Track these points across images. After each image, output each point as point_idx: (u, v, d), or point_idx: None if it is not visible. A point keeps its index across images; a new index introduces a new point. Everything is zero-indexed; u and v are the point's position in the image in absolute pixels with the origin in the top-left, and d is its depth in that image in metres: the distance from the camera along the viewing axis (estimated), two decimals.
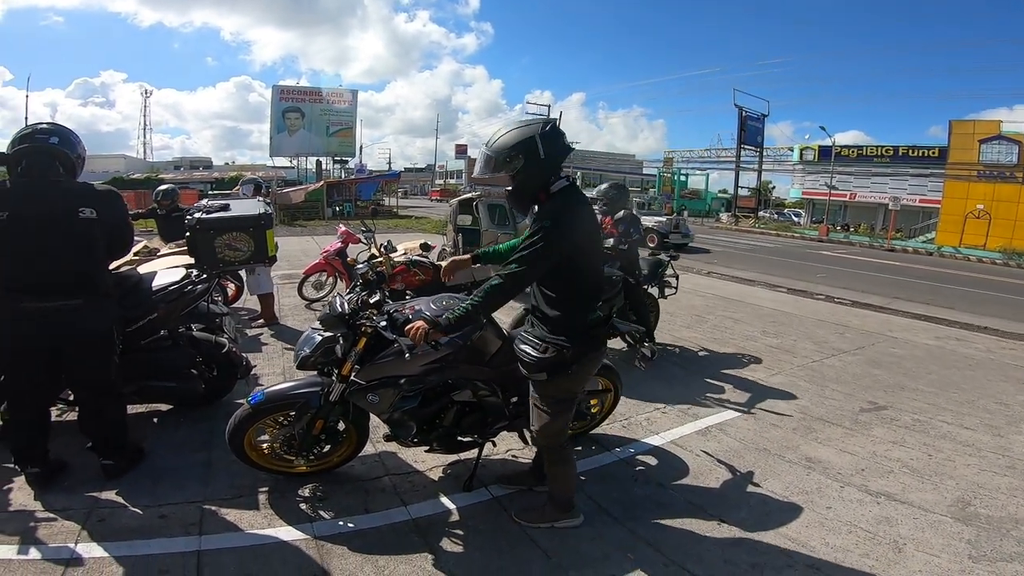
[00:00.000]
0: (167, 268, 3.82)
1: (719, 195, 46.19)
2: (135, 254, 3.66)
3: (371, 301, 2.71)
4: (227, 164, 61.01)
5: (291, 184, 29.81)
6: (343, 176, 37.51)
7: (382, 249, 3.04)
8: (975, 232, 26.67)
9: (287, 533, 2.72)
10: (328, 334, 2.80)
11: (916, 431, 4.18)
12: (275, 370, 5.03)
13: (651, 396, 4.76)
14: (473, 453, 3.23)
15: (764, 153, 40.50)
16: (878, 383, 5.32)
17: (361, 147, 51.19)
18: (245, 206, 4.22)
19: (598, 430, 3.95)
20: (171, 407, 4.05)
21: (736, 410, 4.52)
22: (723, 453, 3.74)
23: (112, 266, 3.52)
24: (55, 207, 2.63)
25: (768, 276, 12.49)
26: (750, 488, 3.30)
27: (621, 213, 5.47)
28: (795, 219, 41.09)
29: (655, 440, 3.92)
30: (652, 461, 3.64)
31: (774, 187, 56.44)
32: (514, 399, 3.04)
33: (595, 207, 5.23)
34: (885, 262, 18.93)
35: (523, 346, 2.52)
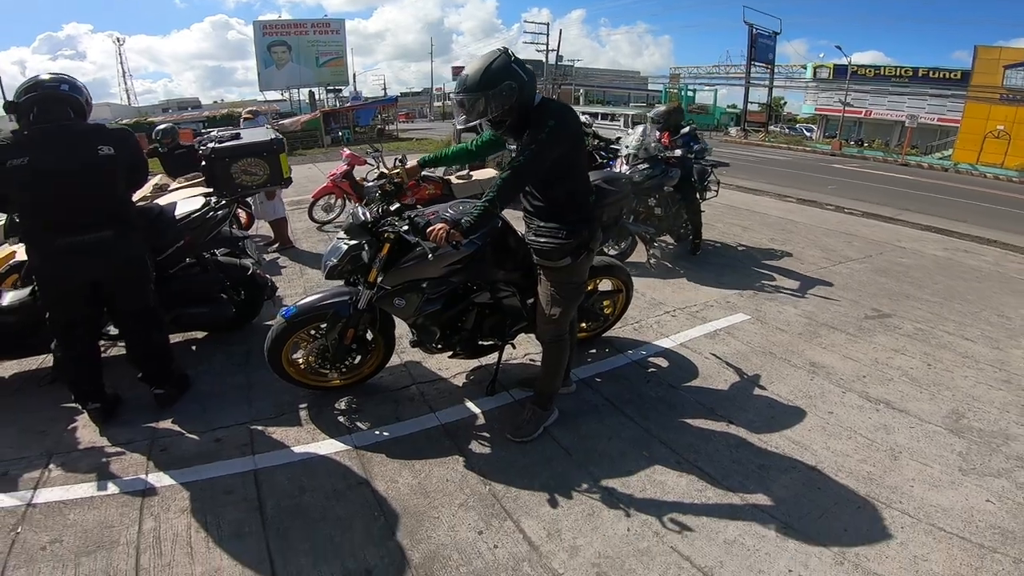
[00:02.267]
0: (186, 198, 3.86)
1: (728, 110, 45.04)
2: (148, 193, 3.71)
3: (392, 209, 2.79)
4: (216, 103, 59.24)
5: (285, 116, 29.14)
6: (338, 105, 36.33)
7: (397, 162, 3.05)
8: (993, 151, 25.98)
9: (330, 446, 2.93)
10: (353, 242, 2.87)
11: (918, 340, 4.31)
12: (296, 291, 5.17)
13: (661, 299, 4.94)
14: (492, 359, 3.39)
15: (776, 70, 39.09)
16: (884, 291, 5.43)
17: (354, 75, 49.33)
18: (256, 133, 4.25)
19: (611, 333, 4.10)
20: (206, 334, 4.21)
21: (744, 314, 4.66)
22: (731, 356, 3.91)
23: (135, 199, 3.62)
24: (75, 147, 2.70)
25: (777, 187, 12.35)
26: (756, 391, 3.47)
27: (687, 128, 6.20)
28: (807, 134, 40.20)
29: (666, 343, 4.08)
30: (663, 363, 3.81)
31: (785, 103, 55.27)
32: (530, 300, 3.15)
33: (653, 125, 5.94)
34: (898, 176, 18.58)
35: (540, 239, 2.66)
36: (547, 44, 41.61)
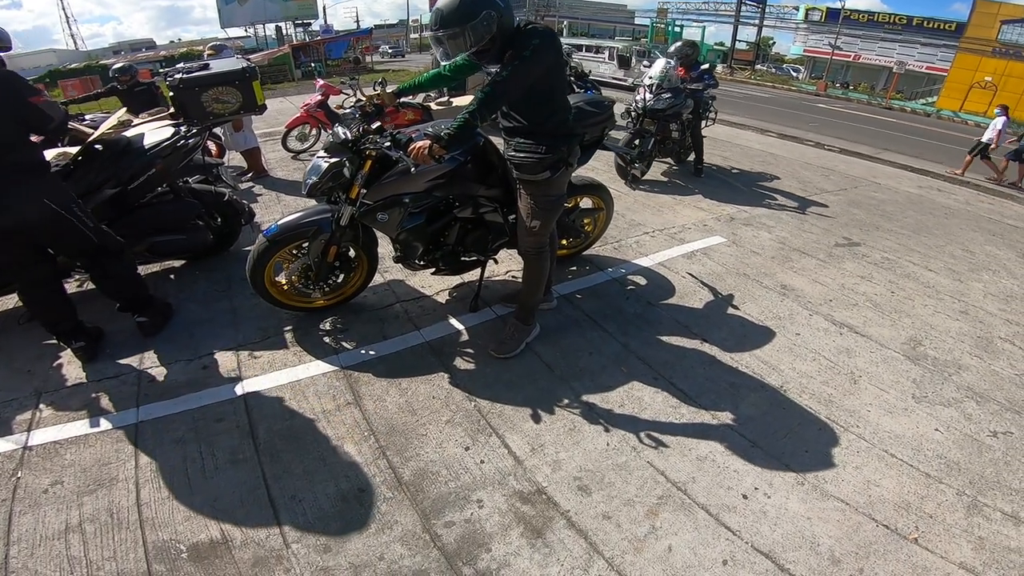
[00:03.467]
0: (154, 129, 3.73)
1: (715, 47, 44.13)
2: (111, 127, 3.55)
3: (373, 128, 2.77)
4: (172, 42, 55.53)
5: (251, 53, 27.70)
6: (307, 40, 34.41)
7: (376, 85, 2.98)
8: (978, 100, 25.96)
9: (317, 367, 2.95)
10: (334, 160, 2.83)
11: (884, 268, 4.47)
12: (274, 216, 4.97)
13: (641, 221, 5.03)
14: (474, 276, 3.44)
15: (767, 10, 38.36)
16: (855, 222, 5.57)
17: (324, 8, 46.55)
18: (227, 63, 4.06)
19: (591, 251, 4.19)
20: (184, 261, 4.14)
21: (720, 237, 4.78)
22: (706, 276, 4.03)
23: (96, 135, 3.42)
24: None
25: (759, 122, 12.30)
26: (730, 310, 3.60)
27: (706, 64, 6.91)
28: (794, 74, 39.96)
29: (644, 262, 4.18)
30: (642, 281, 3.92)
31: (774, 43, 54.54)
32: (512, 216, 3.18)
33: (672, 60, 6.29)
34: (880, 118, 18.63)
35: (519, 154, 2.67)
36: None
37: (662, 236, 4.70)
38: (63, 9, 68.38)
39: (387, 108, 2.97)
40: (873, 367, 3.14)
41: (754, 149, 8.95)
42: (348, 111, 2.95)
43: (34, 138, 2.82)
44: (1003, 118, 9.03)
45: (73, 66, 35.50)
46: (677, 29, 40.11)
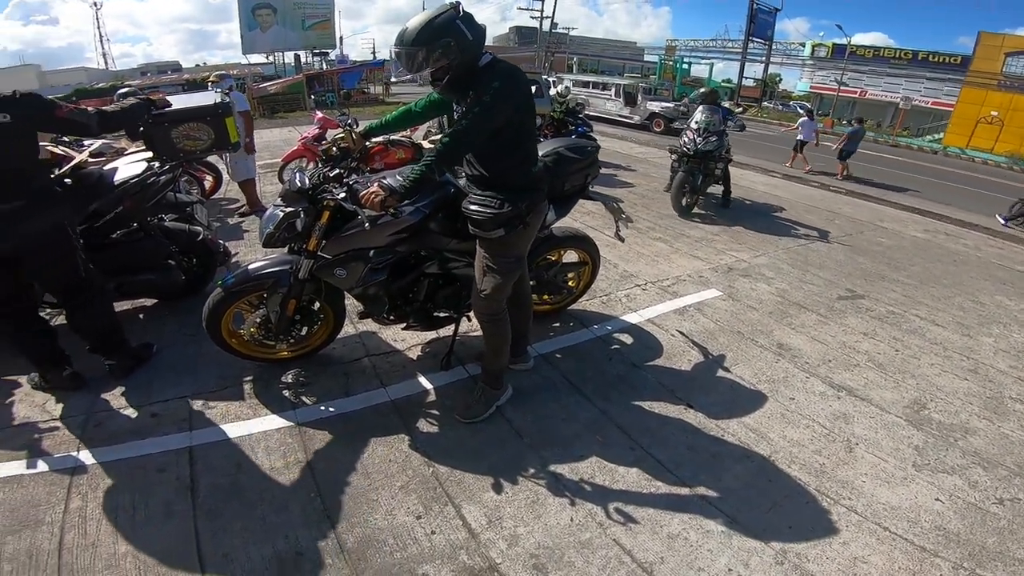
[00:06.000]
0: (129, 163, 3.69)
1: (722, 84, 44.40)
2: (97, 153, 3.53)
3: (331, 175, 2.64)
4: (198, 66, 57.63)
5: (269, 79, 28.51)
6: (324, 68, 35.51)
7: (347, 126, 2.87)
8: (984, 136, 25.99)
9: (271, 422, 2.81)
10: (290, 209, 2.70)
11: (888, 323, 4.24)
12: (258, 255, 4.94)
13: (634, 271, 4.83)
14: (449, 331, 3.26)
15: (774, 47, 38.65)
16: (859, 271, 5.36)
17: (341, 38, 48.19)
18: (198, 98, 4.01)
19: (577, 306, 3.99)
20: (156, 301, 4.04)
21: (716, 290, 4.57)
22: (698, 334, 3.81)
23: (71, 165, 3.44)
24: None
25: (763, 161, 12.22)
26: (720, 373, 3.38)
27: (726, 106, 7.86)
28: (800, 111, 39.89)
29: (633, 318, 3.98)
30: (628, 340, 3.71)
31: (781, 79, 55.06)
32: None
33: (718, 108, 7.20)
34: (887, 156, 18.52)
35: (474, 207, 2.54)
36: (542, 11, 40.50)
37: (655, 289, 4.51)
38: (98, 28, 70.88)
39: (354, 151, 2.85)
40: (872, 433, 2.93)
41: (758, 191, 8.83)
42: (324, 144, 2.82)
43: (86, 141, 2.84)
44: None
45: (100, 86, 36.56)
46: (685, 66, 40.75)
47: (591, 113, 16.94)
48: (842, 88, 33.84)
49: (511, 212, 2.46)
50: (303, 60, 40.32)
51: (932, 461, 2.76)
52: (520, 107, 2.38)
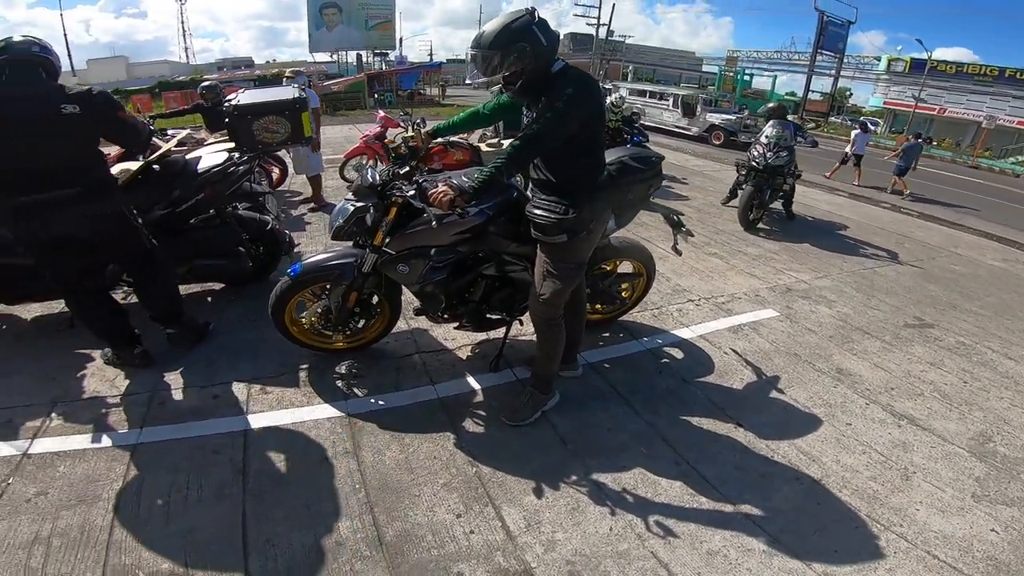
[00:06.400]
0: (211, 153, 3.92)
1: (786, 97, 42.85)
2: (180, 143, 3.76)
3: (401, 172, 2.71)
4: (268, 62, 60.38)
5: (332, 78, 29.75)
6: (383, 69, 36.50)
7: (415, 126, 2.94)
8: None
9: (323, 411, 2.90)
10: (360, 204, 2.79)
11: (958, 355, 4.03)
12: (318, 247, 5.16)
13: (687, 286, 4.75)
14: (500, 334, 3.30)
15: (845, 60, 36.91)
16: (930, 299, 5.10)
17: (401, 39, 49.79)
18: (279, 92, 4.20)
19: (627, 317, 3.95)
20: (223, 286, 4.24)
21: (773, 310, 4.44)
22: (752, 354, 3.71)
23: (159, 153, 3.67)
24: (40, 107, 2.62)
25: (828, 179, 11.79)
26: (773, 394, 3.29)
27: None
28: (871, 127, 38.20)
29: (684, 333, 3.91)
30: (678, 354, 3.65)
31: (851, 94, 53.29)
32: None
33: (787, 123, 7.25)
34: (965, 178, 17.65)
35: (539, 211, 2.54)
36: (598, 18, 40.32)
37: (708, 305, 4.42)
38: (182, 23, 75.03)
39: (422, 150, 2.92)
40: (931, 463, 2.80)
41: (821, 209, 8.53)
42: (399, 147, 2.93)
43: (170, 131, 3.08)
44: None
45: (180, 79, 38.57)
46: (747, 78, 39.59)
47: (646, 123, 16.65)
48: (919, 104, 32.24)
49: (575, 218, 2.47)
50: (364, 59, 41.59)
51: (992, 492, 2.63)
52: (592, 115, 2.39)
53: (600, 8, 40.47)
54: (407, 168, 2.73)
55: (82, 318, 3.11)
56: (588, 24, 41.47)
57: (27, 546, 2.07)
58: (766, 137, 7.10)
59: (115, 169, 3.26)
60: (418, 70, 32.59)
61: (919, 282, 5.56)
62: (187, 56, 66.31)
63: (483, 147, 7.37)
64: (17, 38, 2.64)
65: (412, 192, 2.55)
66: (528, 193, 2.77)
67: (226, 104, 3.82)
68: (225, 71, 45.57)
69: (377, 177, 2.73)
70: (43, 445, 2.60)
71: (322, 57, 41.95)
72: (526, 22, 2.24)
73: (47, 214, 2.71)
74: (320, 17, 38.77)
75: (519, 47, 2.21)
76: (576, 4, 41.19)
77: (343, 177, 7.87)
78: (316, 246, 5.25)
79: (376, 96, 25.95)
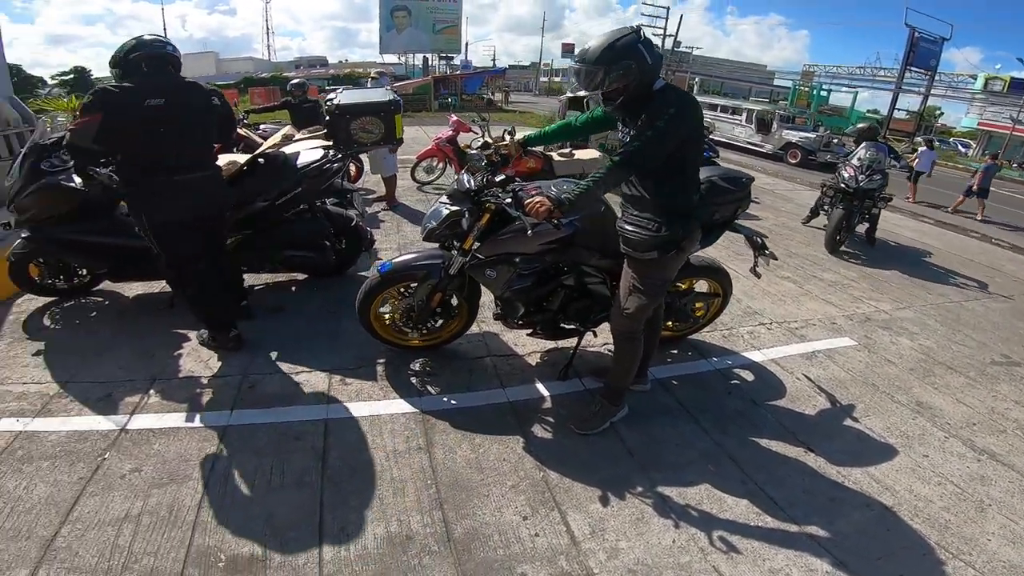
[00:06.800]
0: (308, 149, 4.14)
1: (867, 115, 40.75)
2: (274, 144, 4.07)
3: (497, 180, 2.79)
4: (340, 62, 63.06)
5: (400, 79, 30.48)
6: (448, 72, 37.31)
7: (506, 133, 3.05)
8: None
9: (398, 406, 3.03)
10: (455, 208, 2.89)
11: None
12: (391, 245, 5.41)
13: (758, 309, 4.69)
14: (570, 343, 3.36)
15: (937, 78, 34.51)
16: (1018, 336, 4.82)
17: (466, 44, 50.74)
18: (375, 93, 4.44)
19: (697, 336, 3.95)
20: (305, 277, 4.50)
21: (849, 339, 4.32)
22: (826, 381, 3.64)
23: (265, 147, 4.03)
24: (200, 97, 3.05)
25: (911, 205, 11.28)
26: (847, 422, 3.22)
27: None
28: (962, 149, 36.01)
29: (755, 356, 3.87)
30: (748, 376, 3.62)
31: (941, 113, 50.26)
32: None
33: (854, 139, 7.49)
34: None
35: (630, 227, 2.58)
36: (665, 28, 39.80)
37: (780, 330, 4.34)
38: (266, 21, 79.32)
39: (513, 157, 2.98)
40: (1009, 497, 2.71)
41: (904, 237, 8.18)
42: (475, 152, 3.02)
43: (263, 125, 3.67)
44: None
45: (263, 75, 40.56)
46: (823, 93, 37.56)
47: (716, 138, 16.03)
48: (1017, 127, 30.00)
49: (668, 236, 2.50)
50: (430, 62, 42.76)
51: None
52: (691, 135, 2.40)
53: (667, 19, 40.10)
54: (503, 176, 2.80)
55: (192, 295, 3.34)
56: (654, 35, 40.96)
57: (117, 523, 2.17)
58: (858, 159, 6.97)
59: (220, 161, 3.55)
60: (482, 75, 33.13)
61: (1008, 319, 5.27)
62: (269, 54, 70.37)
63: (555, 156, 7.46)
64: (148, 37, 2.96)
65: (509, 200, 2.61)
66: (616, 208, 2.82)
67: (328, 103, 4.06)
68: (302, 69, 47.71)
69: (473, 183, 2.81)
70: (141, 421, 2.77)
71: (390, 59, 43.50)
72: (632, 40, 2.26)
73: (196, 193, 3.06)
74: (391, 19, 40.24)
75: (624, 64, 2.23)
76: (642, 15, 40.91)
77: (414, 178, 8.09)
78: (389, 243, 5.49)
79: (440, 100, 26.43)
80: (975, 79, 37.16)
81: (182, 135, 2.94)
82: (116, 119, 2.75)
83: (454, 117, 8.26)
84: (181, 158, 2.97)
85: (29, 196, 3.40)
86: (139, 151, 2.90)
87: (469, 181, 2.83)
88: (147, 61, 2.86)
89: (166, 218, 3.03)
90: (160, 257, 3.19)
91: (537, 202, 2.35)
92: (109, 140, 2.80)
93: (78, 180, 3.39)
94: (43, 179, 3.41)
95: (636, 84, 2.28)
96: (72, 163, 3.25)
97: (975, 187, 11.10)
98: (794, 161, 17.01)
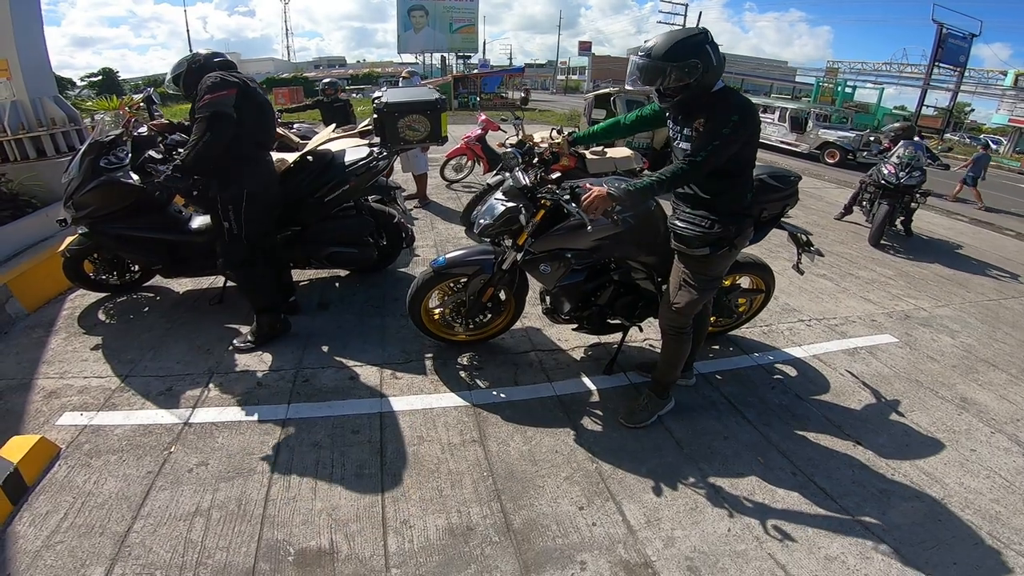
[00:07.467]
0: (353, 147, 4.22)
1: (893, 111, 39.52)
2: (322, 142, 4.25)
3: (551, 177, 2.84)
4: (358, 62, 63.72)
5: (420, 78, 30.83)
6: (465, 71, 37.45)
7: (554, 132, 3.09)
8: None
9: (450, 399, 3.10)
10: (511, 204, 2.92)
11: None
12: (427, 242, 5.50)
13: (796, 306, 4.70)
14: (612, 338, 3.41)
15: (966, 74, 34.06)
16: None
17: (484, 43, 50.83)
18: (421, 92, 4.50)
19: (736, 332, 3.98)
20: (348, 273, 4.60)
21: (890, 336, 4.32)
22: (869, 377, 3.65)
23: (313, 146, 4.15)
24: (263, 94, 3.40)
25: (945, 203, 11.10)
26: (893, 416, 3.24)
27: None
28: (992, 146, 35.02)
29: (796, 352, 3.89)
30: (791, 372, 3.64)
31: (972, 110, 49.28)
32: (665, 285, 3.10)
33: (885, 136, 7.46)
34: None
35: (682, 224, 2.62)
36: (683, 24, 39.50)
37: (820, 327, 4.35)
38: (285, 22, 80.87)
39: (563, 155, 3.00)
40: None
41: (939, 234, 8.07)
42: (510, 151, 3.06)
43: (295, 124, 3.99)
44: None
45: (284, 75, 41.06)
46: (848, 90, 36.85)
47: None
48: None
49: (720, 233, 2.53)
50: (447, 62, 43.02)
51: None
52: (750, 139, 2.42)
53: (686, 16, 39.76)
54: (558, 173, 2.85)
55: (253, 274, 3.46)
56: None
57: (188, 518, 2.22)
58: (898, 158, 7.21)
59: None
60: (501, 74, 33.14)
61: None
62: (289, 54, 71.21)
63: (588, 155, 7.49)
64: (203, 51, 3.34)
65: (567, 196, 2.63)
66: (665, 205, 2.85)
67: (375, 101, 4.14)
68: (321, 69, 48.19)
69: (528, 180, 2.86)
70: (203, 415, 2.86)
71: (408, 58, 43.71)
72: (701, 40, 2.27)
73: (273, 171, 3.48)
74: (408, 19, 40.54)
75: (691, 63, 2.23)
76: (660, 12, 40.64)
77: (443, 176, 8.18)
78: (425, 240, 5.57)
79: (459, 99, 26.65)
80: (1005, 75, 36.35)
81: (271, 119, 3.36)
82: (246, 93, 3.08)
83: (483, 116, 8.33)
84: (271, 139, 3.43)
85: (89, 192, 3.51)
86: (256, 126, 3.23)
87: (525, 178, 2.87)
88: (224, 64, 3.21)
89: (263, 189, 3.31)
90: (230, 242, 3.32)
91: (594, 193, 2.39)
92: (241, 111, 3.05)
93: (135, 177, 3.53)
94: (103, 176, 3.53)
95: (697, 84, 2.30)
96: (168, 148, 3.58)
97: (969, 173, 11.41)
98: (832, 161, 16.27)
